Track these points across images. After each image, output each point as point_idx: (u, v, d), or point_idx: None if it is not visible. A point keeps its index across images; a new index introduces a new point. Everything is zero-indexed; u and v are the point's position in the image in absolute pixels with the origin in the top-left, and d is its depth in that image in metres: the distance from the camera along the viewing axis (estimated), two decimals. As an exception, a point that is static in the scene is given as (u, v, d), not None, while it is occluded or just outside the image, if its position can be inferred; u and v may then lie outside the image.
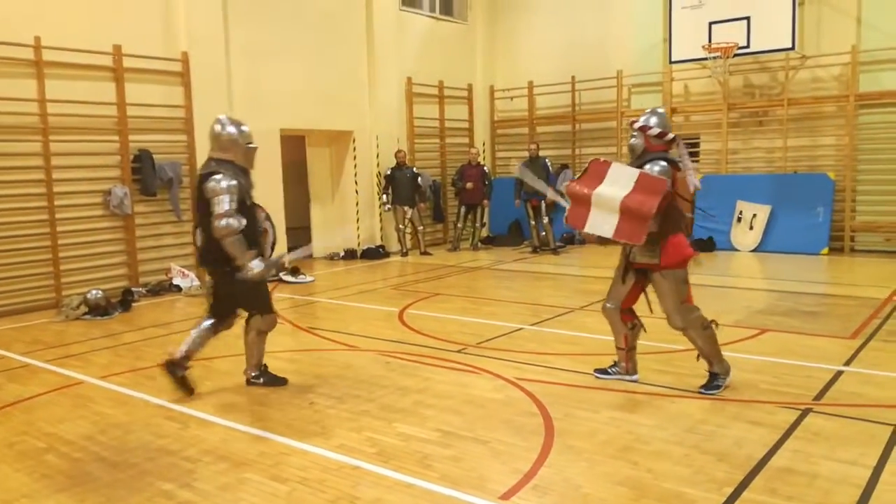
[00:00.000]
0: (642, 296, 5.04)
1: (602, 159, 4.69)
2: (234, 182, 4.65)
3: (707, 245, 11.85)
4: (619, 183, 4.50)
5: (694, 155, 13.20)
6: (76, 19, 8.68)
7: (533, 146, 12.54)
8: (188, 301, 8.90)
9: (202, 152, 9.72)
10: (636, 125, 4.76)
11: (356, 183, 12.65)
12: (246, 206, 4.78)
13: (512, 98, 14.85)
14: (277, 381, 5.23)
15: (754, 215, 11.78)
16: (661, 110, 4.88)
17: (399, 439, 4.15)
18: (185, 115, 9.82)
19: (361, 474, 3.68)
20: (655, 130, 4.68)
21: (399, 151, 12.50)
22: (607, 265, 10.63)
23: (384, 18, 12.67)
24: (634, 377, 5.10)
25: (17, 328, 7.52)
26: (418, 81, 13.47)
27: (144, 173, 9.27)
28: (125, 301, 8.37)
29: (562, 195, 4.99)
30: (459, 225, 13.08)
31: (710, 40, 11.76)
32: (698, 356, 4.84)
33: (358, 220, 12.74)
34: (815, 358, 5.56)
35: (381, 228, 12.93)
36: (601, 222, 4.55)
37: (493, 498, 3.36)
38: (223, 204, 4.57)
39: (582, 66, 13.80)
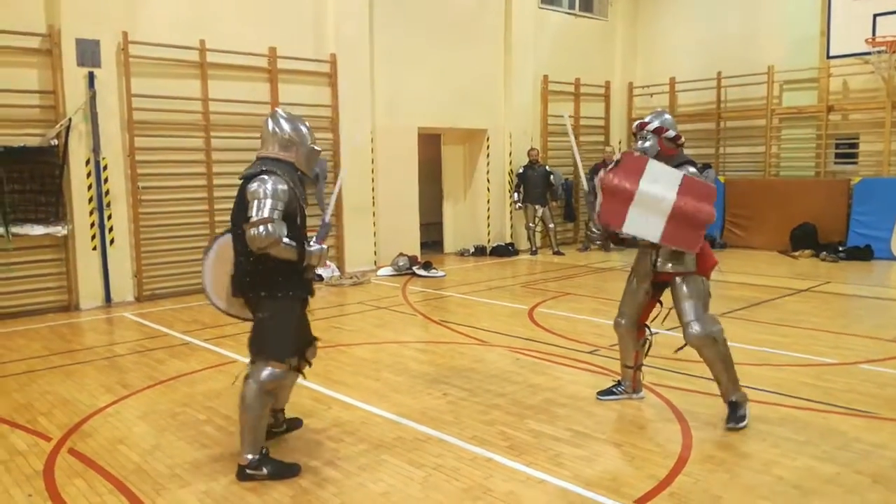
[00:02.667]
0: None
1: (636, 153, 4.24)
2: (284, 186, 3.61)
3: (864, 253, 11.00)
4: (661, 181, 4.09)
5: (851, 156, 12.29)
6: (236, 23, 9.33)
7: (672, 145, 12.09)
8: (328, 290, 9.34)
9: (345, 150, 10.23)
10: (650, 127, 4.35)
11: (488, 181, 12.76)
12: (294, 223, 3.69)
13: (652, 95, 14.43)
14: (287, 473, 3.67)
15: (920, 223, 10.79)
16: (666, 113, 4.50)
17: (531, 435, 4.18)
18: (331, 115, 10.30)
19: (494, 466, 3.74)
20: (671, 133, 4.31)
21: (532, 149, 12.48)
22: (750, 271, 10.18)
23: (523, 16, 12.70)
24: (641, 395, 4.78)
25: (178, 309, 8.20)
26: (554, 79, 13.38)
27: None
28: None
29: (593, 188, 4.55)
30: (591, 225, 12.86)
31: (874, 33, 10.89)
32: (718, 386, 4.32)
33: (489, 218, 12.85)
34: None
35: (512, 226, 12.97)
36: (644, 223, 4.11)
37: (629, 502, 3.32)
38: (264, 209, 3.52)
39: (728, 61, 13.19)
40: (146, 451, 4.04)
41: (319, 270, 9.85)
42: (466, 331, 6.86)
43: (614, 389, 4.84)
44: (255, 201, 3.55)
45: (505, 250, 12.46)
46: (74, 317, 7.89)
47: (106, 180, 8.31)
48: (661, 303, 4.60)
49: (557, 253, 12.41)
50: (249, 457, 3.64)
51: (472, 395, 4.90)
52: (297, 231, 3.72)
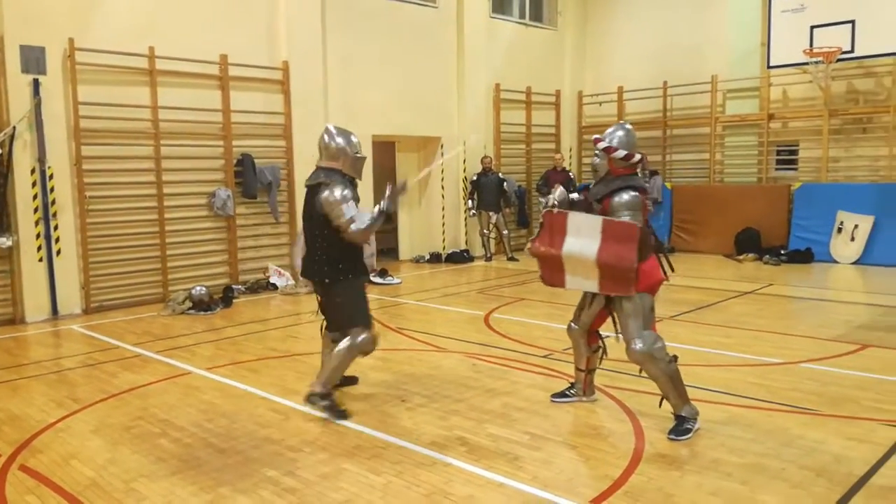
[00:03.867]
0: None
1: (555, 210, 4.29)
2: (347, 191, 4.54)
3: (805, 256, 11.43)
4: (583, 233, 4.13)
5: (791, 163, 12.75)
6: (186, 30, 9.21)
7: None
8: (283, 299, 9.29)
9: (299, 157, 10.20)
10: (600, 145, 4.34)
11: (443, 188, 12.85)
12: None
13: (601, 103, 14.74)
14: (341, 414, 4.66)
15: (856, 226, 11.27)
16: (628, 126, 4.42)
17: (489, 439, 4.24)
18: (284, 122, 10.25)
19: (454, 471, 3.80)
20: (621, 153, 4.26)
21: (485, 157, 12.61)
22: (697, 274, 10.48)
23: (474, 26, 12.85)
24: (593, 397, 4.89)
25: (128, 320, 8.05)
26: (506, 87, 13.56)
27: (246, 177, 9.73)
28: (226, 297, 8.82)
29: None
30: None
31: (811, 45, 11.35)
32: (661, 401, 4.33)
33: (444, 225, 12.93)
34: (922, 377, 5.32)
35: (466, 233, 13.08)
36: (582, 280, 4.25)
37: (584, 502, 3.41)
38: (346, 214, 4.47)
39: (674, 70, 13.57)
40: (100, 465, 3.97)
41: (273, 279, 9.84)
42: (423, 338, 6.91)
43: (567, 392, 4.94)
44: (334, 209, 4.51)
45: (460, 257, 12.56)
46: (20, 330, 7.67)
47: (52, 189, 8.12)
48: (613, 315, 4.61)
49: (511, 259, 12.55)
50: (320, 389, 4.67)
51: (430, 402, 4.95)
52: None
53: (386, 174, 12.65)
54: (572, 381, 4.98)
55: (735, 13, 12.90)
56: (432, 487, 3.60)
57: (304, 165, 10.46)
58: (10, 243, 7.80)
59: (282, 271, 9.98)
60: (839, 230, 11.45)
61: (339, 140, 4.71)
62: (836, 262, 11.32)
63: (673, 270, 4.50)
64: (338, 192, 4.50)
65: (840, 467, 3.73)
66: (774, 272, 10.69)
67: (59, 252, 8.20)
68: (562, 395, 4.93)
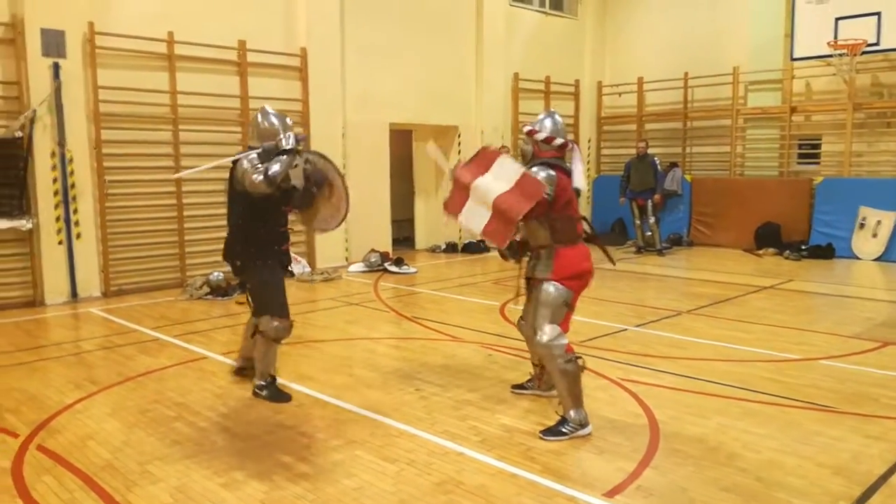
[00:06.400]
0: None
1: (493, 148, 4.35)
2: (259, 162, 4.47)
3: (826, 252, 11.28)
4: (501, 178, 4.11)
5: (814, 157, 12.59)
6: (205, 15, 9.21)
7: (641, 144, 12.30)
8: (299, 286, 9.30)
9: (317, 144, 10.18)
10: (525, 129, 4.46)
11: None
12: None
13: (620, 94, 14.61)
14: (281, 397, 4.77)
15: (878, 222, 11.10)
16: (556, 114, 4.49)
17: (502, 430, 4.23)
18: (301, 109, 10.24)
19: (466, 460, 3.79)
20: (542, 135, 4.34)
21: (502, 147, 12.53)
22: (716, 268, 10.39)
23: (494, 14, 12.75)
24: (551, 392, 4.69)
25: (146, 304, 8.10)
26: (525, 77, 13.47)
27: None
28: (243, 283, 8.82)
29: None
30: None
31: (835, 37, 11.17)
32: (559, 403, 4.22)
33: (460, 214, 12.87)
34: (944, 375, 5.24)
35: (483, 223, 13.01)
36: (474, 216, 4.20)
37: (598, 494, 3.39)
38: (252, 172, 4.41)
39: (695, 61, 13.41)
40: (116, 447, 4.00)
41: (290, 267, 9.83)
42: (438, 327, 6.90)
43: (526, 384, 4.92)
44: (245, 176, 4.49)
45: (476, 247, 12.51)
46: (40, 312, 7.75)
47: (72, 173, 8.17)
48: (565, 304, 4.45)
49: (527, 249, 12.49)
50: (259, 380, 4.81)
51: (444, 391, 4.94)
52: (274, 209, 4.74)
53: (403, 162, 12.67)
54: (531, 374, 4.90)
55: (757, 4, 12.71)
56: (444, 476, 3.59)
57: (322, 152, 10.45)
58: (30, 226, 7.88)
59: (298, 258, 10.01)
60: (861, 226, 11.28)
61: (273, 120, 4.66)
62: (857, 258, 11.17)
63: (614, 263, 4.61)
64: (246, 161, 4.48)
65: (859, 465, 3.68)
66: (795, 267, 10.57)
67: (78, 235, 8.26)
68: (521, 387, 4.93)
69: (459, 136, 12.64)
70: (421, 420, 4.38)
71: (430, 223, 12.96)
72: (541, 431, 4.15)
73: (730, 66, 12.91)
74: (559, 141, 4.37)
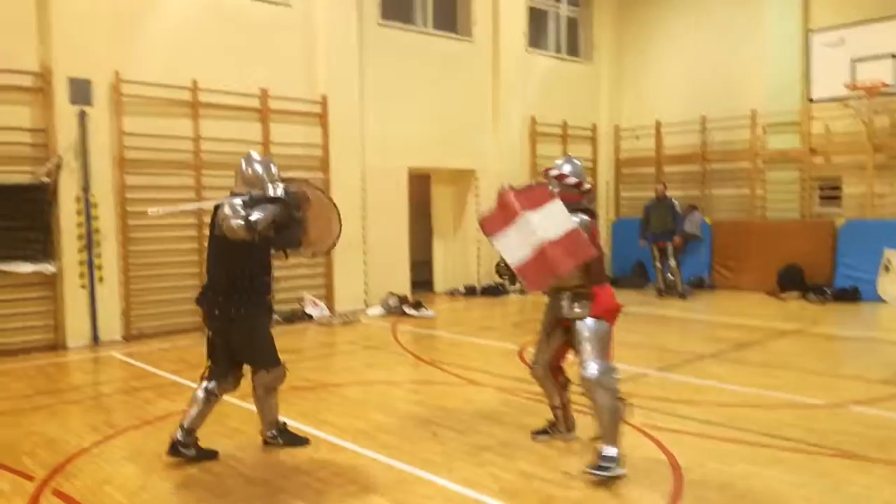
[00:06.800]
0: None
1: (551, 189, 4.31)
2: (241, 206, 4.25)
3: (851, 295, 11.09)
4: (551, 221, 4.12)
5: (836, 198, 12.48)
6: (228, 64, 9.44)
7: (660, 186, 12.29)
8: (318, 329, 9.30)
9: (336, 189, 10.33)
10: (552, 173, 4.51)
11: (478, 221, 12.81)
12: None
13: (638, 137, 14.65)
14: (298, 441, 4.71)
15: (904, 264, 10.92)
16: (576, 159, 4.64)
17: (521, 477, 4.14)
18: (321, 154, 10.38)
19: (485, 509, 3.71)
20: (572, 180, 4.45)
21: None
22: (738, 312, 10.25)
23: (510, 59, 12.94)
24: (573, 434, 4.76)
25: (165, 348, 8.13)
26: (542, 121, 13.59)
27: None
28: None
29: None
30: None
31: (853, 78, 11.17)
32: (595, 438, 4.24)
33: (479, 258, 12.89)
34: (978, 422, 5.07)
35: (502, 266, 12.99)
36: (512, 247, 4.18)
37: (620, 544, 3.29)
38: (231, 215, 4.18)
39: (712, 104, 13.45)
40: (132, 492, 3.97)
41: (308, 310, 9.89)
42: (457, 370, 6.83)
43: (548, 430, 4.83)
44: (225, 221, 4.24)
45: (495, 290, 12.47)
46: (61, 356, 7.80)
47: (96, 218, 8.30)
48: (574, 348, 4.52)
49: (547, 293, 12.41)
50: (272, 431, 4.67)
51: (461, 436, 4.87)
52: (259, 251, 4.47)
53: (421, 206, 12.74)
54: (551, 419, 4.84)
55: (773, 47, 12.77)
56: (463, 525, 3.51)
57: (341, 197, 10.51)
58: (53, 270, 7.99)
59: (317, 302, 10.03)
60: (886, 268, 11.10)
61: (257, 167, 4.46)
62: (883, 301, 10.96)
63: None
64: (228, 207, 4.23)
65: (892, 516, 3.55)
66: (819, 311, 10.39)
67: (100, 279, 8.36)
68: (542, 432, 4.83)
69: (476, 179, 12.71)
70: (439, 466, 4.30)
71: (448, 266, 12.96)
72: (586, 468, 4.09)
73: (747, 108, 12.94)
74: (587, 185, 4.51)
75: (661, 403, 5.59)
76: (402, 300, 10.56)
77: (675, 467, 4.24)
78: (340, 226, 4.58)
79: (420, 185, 12.58)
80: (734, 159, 13.39)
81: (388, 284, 10.91)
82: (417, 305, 10.44)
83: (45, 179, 7.94)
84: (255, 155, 4.62)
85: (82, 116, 8.19)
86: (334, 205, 4.57)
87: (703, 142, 13.73)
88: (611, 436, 4.15)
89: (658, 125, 14.29)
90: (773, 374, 6.56)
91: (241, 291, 4.37)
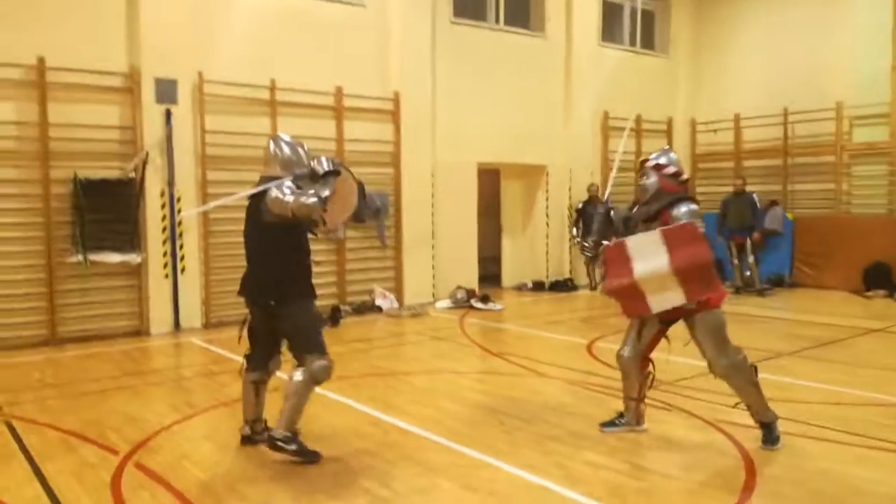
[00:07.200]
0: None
1: (611, 242, 4.37)
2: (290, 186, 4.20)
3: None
4: (647, 252, 4.12)
5: (929, 193, 11.82)
6: (305, 63, 9.69)
7: (738, 181, 11.92)
8: (387, 320, 9.45)
9: (407, 184, 10.48)
10: (650, 163, 4.46)
11: (547, 216, 12.76)
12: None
13: (716, 131, 14.23)
14: (311, 455, 4.20)
15: None
16: (672, 152, 4.56)
17: (588, 466, 4.12)
18: (392, 150, 10.53)
19: (548, 494, 3.71)
20: (671, 170, 4.40)
21: (592, 185, 12.44)
22: (820, 310, 9.84)
23: (582, 53, 12.79)
24: (643, 427, 4.69)
25: (243, 336, 8.40)
26: (614, 115, 13.37)
27: (357, 203, 10.01)
28: (334, 317, 9.10)
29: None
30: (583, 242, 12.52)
31: (949, 66, 10.55)
32: (737, 404, 4.44)
33: (547, 253, 12.81)
34: None
35: (571, 262, 12.89)
36: (665, 299, 4.16)
37: (687, 534, 3.23)
38: (288, 196, 4.11)
39: (795, 97, 12.92)
40: (209, 467, 4.15)
41: (378, 301, 10.05)
42: (524, 363, 6.82)
43: (616, 421, 4.76)
44: (278, 205, 4.19)
45: (564, 285, 12.37)
46: (145, 341, 8.20)
47: (179, 211, 8.67)
48: (667, 338, 4.61)
49: (618, 289, 12.22)
50: (284, 433, 4.16)
51: (528, 425, 4.87)
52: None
53: (490, 201, 12.75)
54: (621, 411, 4.79)
55: (861, 36, 12.17)
56: (527, 509, 3.52)
57: (412, 193, 10.72)
58: (139, 260, 8.39)
59: (387, 294, 10.19)
60: (985, 267, 10.44)
61: (295, 148, 4.40)
62: (981, 301, 10.32)
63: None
64: (284, 188, 4.15)
65: (983, 517, 3.36)
66: (908, 310, 9.87)
67: (183, 270, 8.73)
68: (611, 423, 4.76)
69: (547, 174, 12.63)
70: (504, 453, 4.32)
71: (516, 261, 12.93)
72: (763, 445, 4.29)
73: (832, 100, 12.39)
74: (686, 176, 4.51)
75: (735, 399, 5.43)
76: (470, 294, 10.61)
77: (748, 462, 4.13)
78: (358, 201, 4.57)
79: (489, 180, 12.59)
80: (818, 153, 12.83)
81: (456, 278, 10.97)
82: (485, 299, 10.46)
83: (133, 174, 8.35)
84: (284, 136, 4.51)
85: (168, 115, 8.57)
86: (356, 179, 4.57)
87: (786, 135, 13.23)
88: (761, 406, 4.33)
89: (737, 118, 13.84)
90: (855, 372, 6.28)
91: (294, 278, 4.28)
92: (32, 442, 4.59)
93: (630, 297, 4.29)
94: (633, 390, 4.69)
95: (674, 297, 4.16)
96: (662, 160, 4.46)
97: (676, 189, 4.42)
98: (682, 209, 4.27)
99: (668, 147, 4.78)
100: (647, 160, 4.53)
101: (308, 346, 4.26)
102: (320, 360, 4.23)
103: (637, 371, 4.65)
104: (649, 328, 4.57)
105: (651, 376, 4.69)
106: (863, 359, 6.81)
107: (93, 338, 8.08)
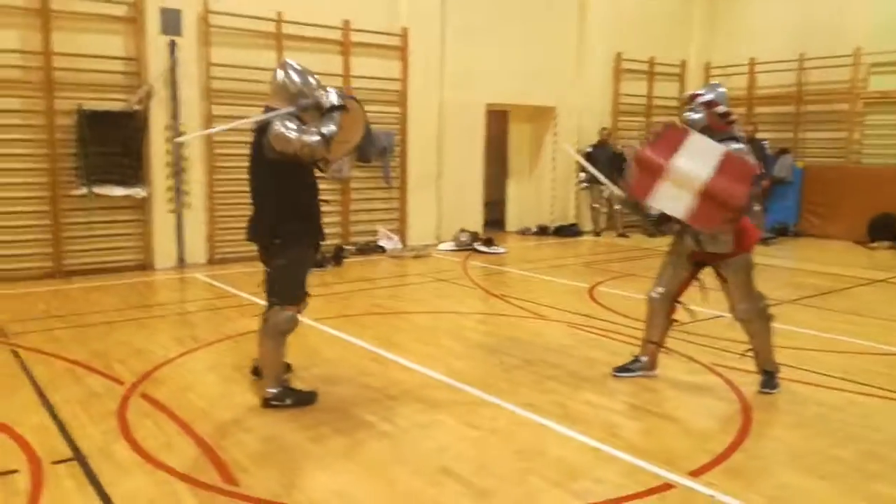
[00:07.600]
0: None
1: (680, 125, 4.17)
2: (294, 123, 3.93)
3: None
4: (700, 158, 3.97)
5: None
6: (313, -5, 9.47)
7: (749, 127, 11.74)
8: (391, 261, 9.47)
9: (413, 124, 10.34)
10: (701, 99, 4.26)
11: (554, 159, 12.64)
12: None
13: (729, 76, 13.95)
14: (307, 398, 4.14)
15: None
16: (721, 87, 4.39)
17: (586, 406, 4.18)
18: (400, 88, 10.37)
19: (547, 432, 3.77)
20: (722, 108, 4.21)
21: (603, 129, 12.27)
22: (823, 259, 9.83)
23: (597, -7, 12.47)
24: (655, 372, 4.69)
25: (247, 272, 8.40)
26: (628, 57, 13.10)
27: (362, 141, 9.90)
28: (337, 257, 9.12)
29: (624, 190, 4.49)
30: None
31: (973, 13, 10.25)
32: (746, 351, 4.49)
33: (553, 197, 12.74)
34: None
35: (576, 206, 12.83)
36: (670, 199, 4.01)
37: (682, 473, 3.29)
38: (292, 134, 3.85)
39: (812, 42, 12.61)
40: (212, 398, 4.22)
41: (382, 242, 10.06)
42: (525, 305, 6.86)
43: (630, 366, 4.74)
44: (280, 141, 3.91)
45: (568, 230, 12.34)
46: (149, 275, 8.24)
47: (174, 138, 8.57)
48: (698, 279, 4.56)
49: (622, 235, 12.21)
50: (272, 390, 4.07)
51: (528, 365, 4.92)
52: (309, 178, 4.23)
53: (497, 143, 12.61)
54: (636, 355, 4.78)
55: (886, -21, 11.82)
56: (525, 445, 3.59)
57: (418, 133, 10.60)
58: (144, 194, 8.37)
59: (391, 235, 10.19)
60: None
61: (304, 76, 4.09)
62: None
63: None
64: (288, 123, 3.87)
65: (974, 464, 3.41)
66: (912, 262, 9.86)
67: (187, 205, 8.71)
68: (624, 369, 4.73)
69: (556, 116, 12.45)
70: (504, 392, 4.38)
71: (521, 205, 12.86)
72: (762, 389, 4.37)
73: (850, 46, 12.09)
74: (734, 116, 4.36)
75: (735, 345, 5.45)
76: (474, 236, 10.60)
77: (745, 406, 4.18)
78: (363, 134, 4.36)
79: (497, 122, 12.42)
80: (832, 101, 12.61)
81: (460, 221, 10.95)
82: (489, 242, 10.46)
83: (137, 107, 8.25)
84: (293, 63, 4.19)
85: (172, 46, 8.41)
86: (364, 111, 4.35)
87: (800, 81, 12.97)
88: (769, 354, 4.42)
89: (752, 63, 13.54)
90: (856, 321, 6.31)
91: (296, 217, 4.08)
92: (39, 371, 4.66)
93: (648, 174, 4.10)
94: (655, 334, 4.66)
95: (677, 207, 4.04)
96: (714, 97, 4.29)
97: (724, 128, 4.27)
98: (735, 146, 4.13)
99: (716, 83, 4.55)
100: (697, 94, 4.36)
101: (281, 294, 4.06)
102: (287, 310, 4.04)
103: (665, 314, 4.62)
104: (679, 271, 4.53)
105: (672, 323, 4.69)
106: (863, 308, 6.83)
107: (98, 271, 8.12)
